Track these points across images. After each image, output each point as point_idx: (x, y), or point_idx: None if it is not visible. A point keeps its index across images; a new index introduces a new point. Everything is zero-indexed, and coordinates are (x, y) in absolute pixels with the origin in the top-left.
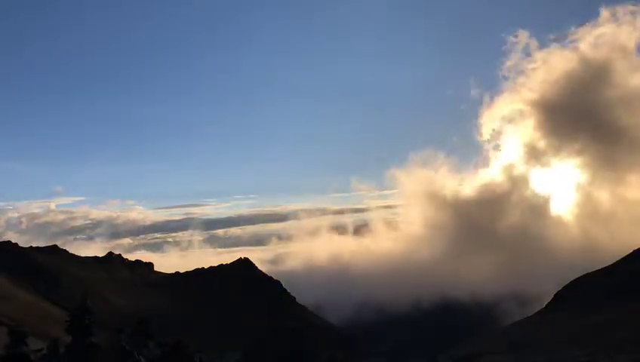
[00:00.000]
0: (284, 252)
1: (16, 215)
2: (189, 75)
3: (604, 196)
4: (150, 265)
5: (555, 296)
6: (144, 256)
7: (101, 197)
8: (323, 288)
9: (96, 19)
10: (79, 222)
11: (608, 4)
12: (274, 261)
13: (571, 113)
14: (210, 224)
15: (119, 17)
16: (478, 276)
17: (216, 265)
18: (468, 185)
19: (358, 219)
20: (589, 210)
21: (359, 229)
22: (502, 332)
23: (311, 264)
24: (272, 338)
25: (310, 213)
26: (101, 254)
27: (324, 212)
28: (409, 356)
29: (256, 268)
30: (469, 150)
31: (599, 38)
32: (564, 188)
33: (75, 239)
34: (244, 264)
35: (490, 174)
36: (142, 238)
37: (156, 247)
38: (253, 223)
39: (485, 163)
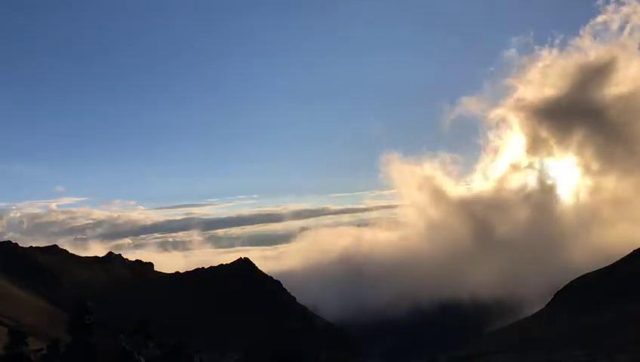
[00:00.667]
0: (285, 252)
1: (17, 215)
2: (190, 76)
3: (604, 196)
4: (150, 265)
5: (555, 295)
6: (144, 256)
7: (102, 198)
8: (323, 288)
9: (99, 21)
10: (80, 222)
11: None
12: (274, 261)
13: (572, 110)
14: (210, 224)
15: (121, 19)
16: (478, 276)
17: (216, 265)
18: (469, 184)
19: (358, 219)
20: (589, 209)
21: (359, 229)
22: (502, 332)
23: (311, 264)
24: (272, 338)
25: (310, 213)
26: (101, 254)
27: (324, 212)
28: (409, 356)
29: (257, 268)
30: (469, 150)
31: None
32: (564, 187)
33: (76, 239)
34: (244, 264)
35: (490, 175)
36: (142, 238)
37: (156, 247)
38: (253, 223)
39: (486, 163)
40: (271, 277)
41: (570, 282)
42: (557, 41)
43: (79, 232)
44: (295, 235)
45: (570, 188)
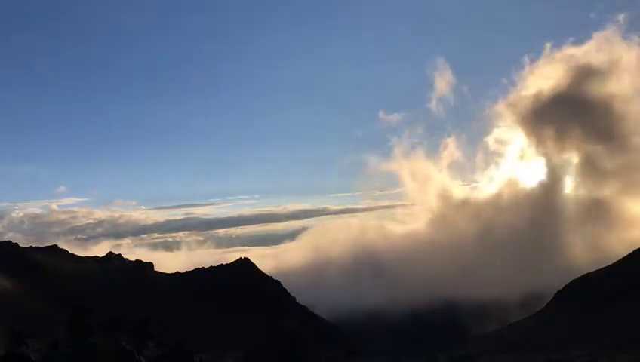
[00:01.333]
0: (285, 252)
1: (19, 215)
2: (191, 77)
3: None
4: (150, 265)
5: (555, 295)
6: (144, 255)
7: (104, 198)
8: (323, 288)
9: (101, 21)
10: (81, 222)
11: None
12: (274, 261)
13: (571, 111)
14: (210, 224)
15: (122, 19)
16: (478, 275)
17: (216, 265)
18: (469, 184)
19: (358, 218)
20: (589, 209)
21: (360, 229)
22: (502, 332)
23: (311, 264)
24: (272, 338)
25: (310, 213)
26: (101, 254)
27: (324, 212)
28: (409, 356)
29: (257, 267)
30: (470, 150)
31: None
32: (565, 187)
33: (76, 239)
34: (244, 264)
35: (491, 174)
36: (142, 238)
37: (156, 247)
38: (253, 223)
39: (487, 163)
40: (271, 277)
41: (570, 282)
42: (554, 43)
43: (80, 232)
44: (295, 235)
45: (571, 188)
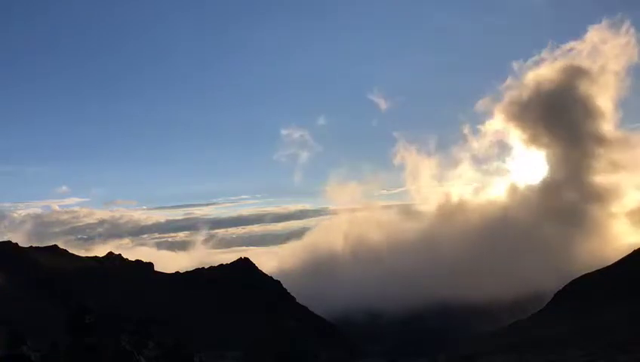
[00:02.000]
0: (285, 252)
1: (21, 215)
2: (192, 77)
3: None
4: (150, 265)
5: (555, 295)
6: (144, 255)
7: (105, 198)
8: (323, 288)
9: (100, 20)
10: (82, 222)
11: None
12: (274, 261)
13: (571, 110)
14: (210, 224)
15: (122, 19)
16: (479, 275)
17: (216, 265)
18: (470, 184)
19: (359, 218)
20: (589, 209)
21: (360, 229)
22: (502, 332)
23: (311, 264)
24: (272, 338)
25: (310, 213)
26: (101, 254)
27: (324, 212)
28: (409, 356)
29: (257, 268)
30: (470, 150)
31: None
32: (564, 187)
33: (76, 239)
34: (244, 264)
35: (491, 174)
36: (142, 238)
37: (157, 247)
38: (253, 223)
39: (487, 162)
40: (271, 277)
41: (570, 282)
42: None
43: (81, 232)
44: (295, 235)
45: (571, 188)
